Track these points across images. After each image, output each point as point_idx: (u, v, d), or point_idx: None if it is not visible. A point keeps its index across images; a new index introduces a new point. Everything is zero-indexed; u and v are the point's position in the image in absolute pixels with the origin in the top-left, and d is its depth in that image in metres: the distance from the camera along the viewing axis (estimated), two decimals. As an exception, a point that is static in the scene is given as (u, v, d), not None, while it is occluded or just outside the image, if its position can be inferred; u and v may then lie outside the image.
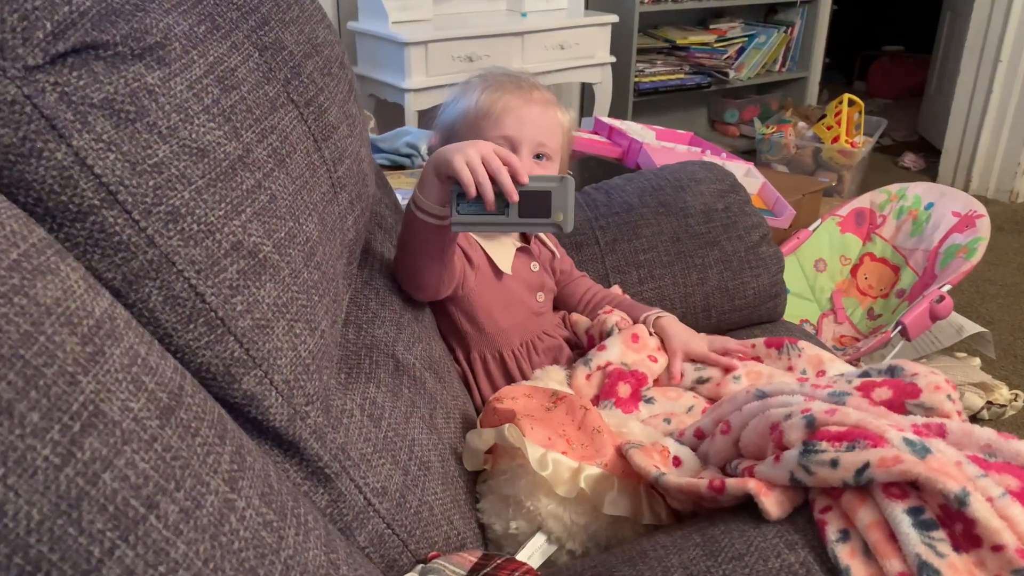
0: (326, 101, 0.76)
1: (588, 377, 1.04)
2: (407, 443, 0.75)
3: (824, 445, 0.66)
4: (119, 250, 0.55)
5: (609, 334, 1.09)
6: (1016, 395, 1.96)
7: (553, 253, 1.19)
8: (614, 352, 1.05)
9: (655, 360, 1.06)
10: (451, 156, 0.80)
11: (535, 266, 1.15)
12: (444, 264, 0.95)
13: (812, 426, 0.69)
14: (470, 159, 0.79)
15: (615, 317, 1.11)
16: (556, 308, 1.21)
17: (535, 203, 0.80)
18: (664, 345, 1.10)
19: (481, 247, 1.08)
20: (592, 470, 0.79)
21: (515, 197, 0.79)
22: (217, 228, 0.60)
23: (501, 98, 1.05)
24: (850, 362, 1.40)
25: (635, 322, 1.12)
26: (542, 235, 1.19)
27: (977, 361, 2.09)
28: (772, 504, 0.67)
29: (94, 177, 0.54)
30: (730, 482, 0.70)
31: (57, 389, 0.43)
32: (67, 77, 0.53)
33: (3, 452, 0.40)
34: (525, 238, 1.17)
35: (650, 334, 1.10)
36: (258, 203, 0.63)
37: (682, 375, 1.07)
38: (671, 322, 1.12)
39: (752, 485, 0.68)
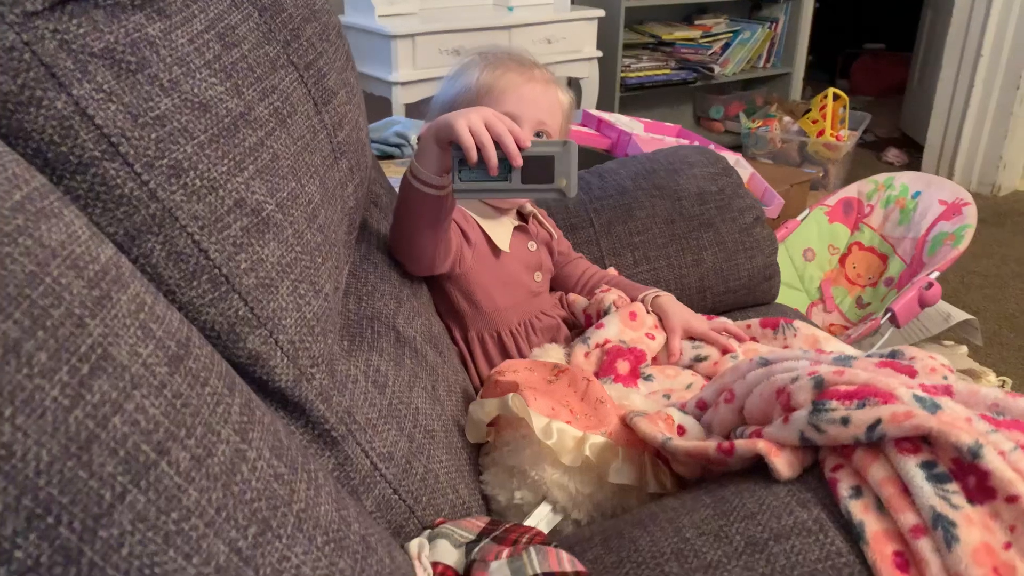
0: (325, 66, 0.75)
1: (586, 355, 1.03)
2: (411, 411, 0.74)
3: (834, 404, 0.66)
4: (121, 204, 0.54)
5: (607, 312, 1.08)
6: (1004, 382, 1.97)
7: (551, 233, 1.18)
8: (612, 330, 1.05)
9: (653, 338, 1.06)
10: (453, 120, 0.79)
11: (532, 245, 1.14)
12: (439, 237, 0.94)
13: (821, 386, 0.68)
14: (472, 123, 0.78)
15: (612, 295, 1.11)
16: (553, 289, 1.21)
17: (538, 168, 0.79)
18: (662, 323, 1.09)
19: (479, 225, 1.07)
20: (597, 439, 0.78)
21: (519, 161, 0.78)
22: (220, 184, 0.58)
23: (503, 75, 1.04)
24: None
25: (632, 300, 1.12)
26: (540, 216, 1.18)
27: (964, 349, 2.11)
28: (782, 464, 0.66)
29: (95, 128, 0.53)
30: (739, 443, 0.69)
31: (64, 331, 0.42)
32: (67, 24, 0.52)
33: (11, 391, 0.38)
34: (523, 217, 1.16)
35: (648, 312, 1.09)
36: (260, 161, 0.62)
37: (680, 353, 1.07)
38: (669, 300, 1.11)
39: (762, 446, 0.67)
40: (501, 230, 1.10)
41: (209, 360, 0.50)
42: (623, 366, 1.01)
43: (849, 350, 1.09)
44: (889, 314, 1.84)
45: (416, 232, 0.92)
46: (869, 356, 0.83)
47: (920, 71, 3.85)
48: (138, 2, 0.56)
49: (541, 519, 0.76)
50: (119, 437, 0.42)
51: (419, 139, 0.87)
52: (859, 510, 0.61)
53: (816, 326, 1.25)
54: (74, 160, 0.53)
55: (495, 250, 1.08)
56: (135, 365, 0.44)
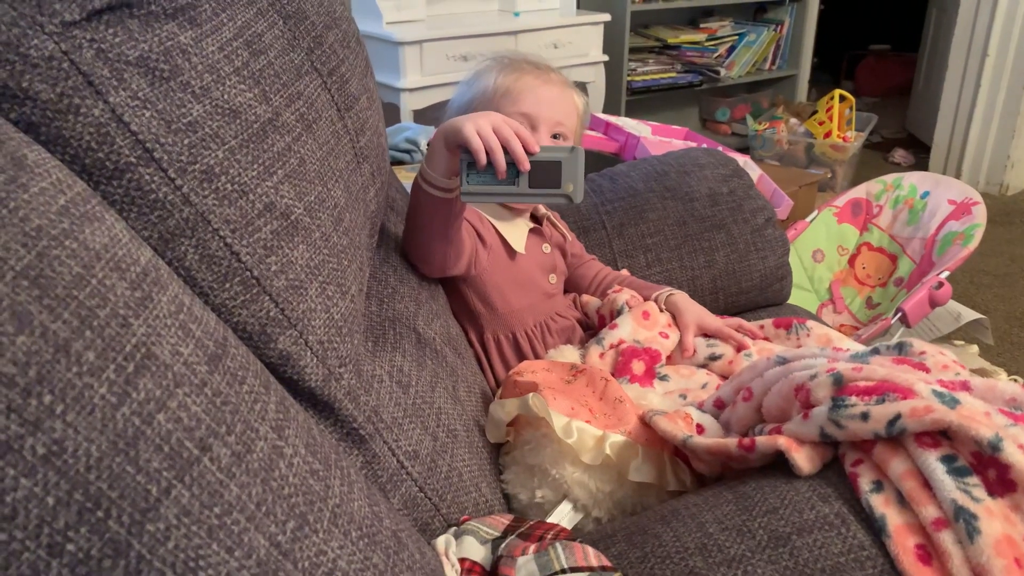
0: (347, 72, 0.76)
1: (601, 356, 1.04)
2: (434, 411, 0.75)
3: (853, 399, 0.66)
4: (155, 208, 0.55)
5: (620, 312, 1.09)
6: (1015, 380, 1.98)
7: (564, 236, 1.19)
8: (625, 329, 1.06)
9: (667, 336, 1.07)
10: (462, 124, 0.80)
11: (546, 248, 1.15)
12: (450, 239, 0.95)
13: (840, 383, 0.69)
14: (481, 127, 0.79)
15: (625, 295, 1.11)
16: (567, 291, 1.21)
17: (545, 173, 0.80)
18: (676, 321, 1.10)
19: (494, 227, 1.08)
20: (616, 438, 0.79)
21: (526, 165, 0.79)
22: (250, 188, 0.60)
23: (520, 77, 1.06)
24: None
25: (646, 299, 1.13)
26: (553, 218, 1.19)
27: (975, 348, 2.11)
28: (803, 459, 0.67)
29: (130, 134, 0.54)
30: (760, 440, 0.70)
31: (111, 330, 0.43)
32: (103, 34, 0.53)
33: (62, 389, 0.40)
34: (537, 219, 1.17)
35: (661, 311, 1.10)
36: (288, 166, 0.63)
37: (695, 351, 1.08)
38: (683, 298, 1.12)
39: (782, 441, 0.68)
40: (516, 232, 1.10)
41: (245, 359, 0.52)
42: (638, 366, 1.02)
43: (862, 348, 1.10)
44: (900, 314, 1.84)
45: (427, 235, 0.93)
46: (876, 350, 0.83)
47: (926, 71, 3.85)
48: (171, 11, 0.57)
49: (563, 517, 0.77)
50: (164, 433, 0.43)
51: (429, 144, 0.88)
52: (880, 504, 0.62)
53: (828, 326, 1.26)
54: (110, 166, 0.54)
55: (510, 252, 1.09)
56: (177, 364, 0.45)
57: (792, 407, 0.75)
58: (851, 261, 2.25)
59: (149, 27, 0.56)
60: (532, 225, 1.14)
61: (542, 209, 1.18)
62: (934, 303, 1.86)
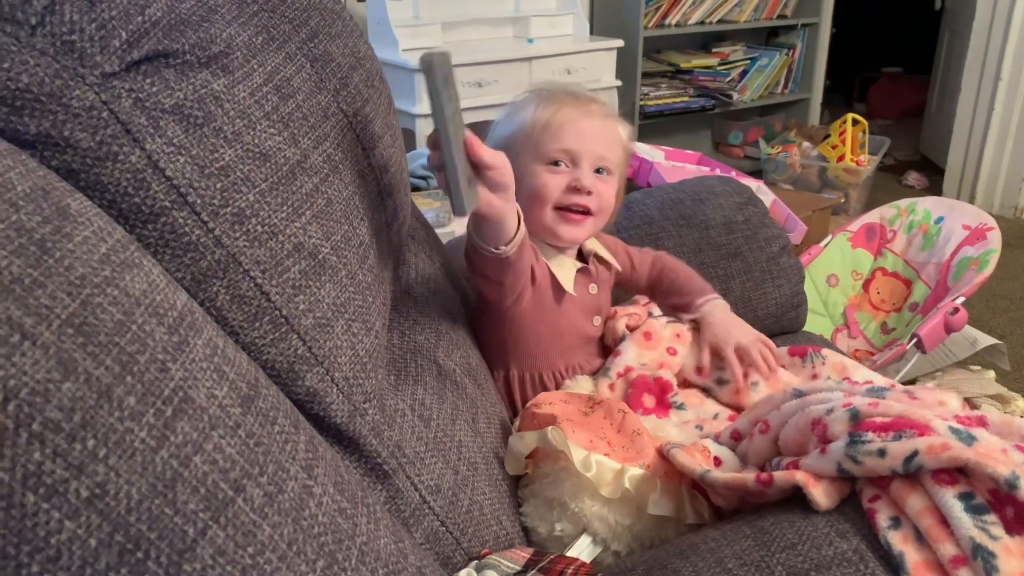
0: (371, 112, 0.78)
1: (611, 387, 1.03)
2: (455, 444, 0.76)
3: (870, 436, 0.67)
4: (188, 250, 0.57)
5: (622, 339, 1.08)
6: (1033, 407, 1.97)
7: (609, 266, 1.13)
8: (629, 355, 1.05)
9: (674, 352, 1.06)
10: None
11: (593, 288, 1.08)
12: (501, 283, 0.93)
13: (856, 418, 0.70)
14: None
15: (623, 321, 1.09)
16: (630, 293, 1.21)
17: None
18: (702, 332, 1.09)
19: (546, 264, 1.02)
20: (635, 471, 0.80)
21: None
22: (280, 230, 0.61)
23: (559, 111, 1.01)
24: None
25: (688, 307, 1.12)
26: (600, 248, 1.12)
27: (992, 374, 2.10)
28: (821, 495, 0.68)
29: (165, 179, 0.56)
30: (778, 475, 0.71)
31: (150, 375, 0.44)
32: (140, 84, 0.55)
33: (104, 433, 0.41)
34: (582, 257, 1.10)
35: (671, 321, 1.10)
36: (316, 206, 0.65)
37: (707, 371, 1.07)
38: (716, 309, 1.10)
39: (800, 477, 0.69)
40: (566, 272, 1.04)
41: (276, 399, 0.53)
42: (649, 400, 1.01)
43: (878, 379, 1.10)
44: (915, 340, 1.84)
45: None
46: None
47: (939, 94, 3.86)
48: (204, 60, 0.59)
49: (582, 551, 0.78)
50: (200, 475, 0.44)
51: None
52: (898, 541, 0.62)
53: (843, 353, 1.26)
54: (146, 210, 0.56)
55: (559, 293, 1.02)
56: (212, 407, 0.47)
57: (809, 441, 0.75)
58: (865, 286, 2.26)
59: (184, 76, 0.58)
60: (580, 265, 1.07)
61: (587, 245, 1.10)
62: (950, 329, 1.86)
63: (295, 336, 0.61)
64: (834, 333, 2.22)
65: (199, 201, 0.57)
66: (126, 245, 0.49)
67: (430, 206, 1.73)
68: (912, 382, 2.06)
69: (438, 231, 1.39)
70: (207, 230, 0.58)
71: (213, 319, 0.59)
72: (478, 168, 0.76)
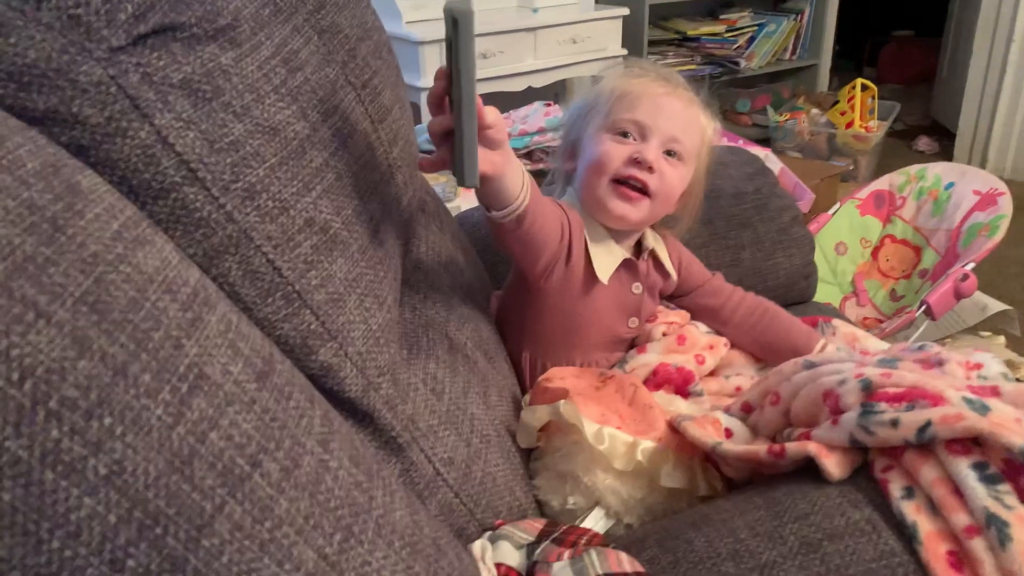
0: (380, 84, 0.77)
1: None
2: (467, 417, 0.77)
3: (883, 406, 0.67)
4: (200, 226, 0.57)
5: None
6: (1043, 372, 1.96)
7: (668, 275, 1.03)
8: (652, 356, 0.99)
9: (702, 361, 1.01)
10: None
11: (637, 288, 0.99)
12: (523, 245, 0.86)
13: (869, 389, 0.70)
14: None
15: (661, 328, 1.02)
16: (695, 318, 1.09)
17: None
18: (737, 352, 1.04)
19: (586, 245, 0.94)
20: (647, 444, 0.80)
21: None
22: (291, 204, 0.61)
23: (642, 82, 0.94)
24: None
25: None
26: (662, 252, 1.03)
27: (1002, 339, 2.10)
28: (833, 465, 0.68)
29: (175, 155, 0.56)
30: (790, 446, 0.71)
31: (164, 352, 0.44)
32: (148, 58, 0.55)
33: (121, 411, 0.41)
34: (637, 250, 1.01)
35: (706, 332, 1.04)
36: (326, 181, 0.65)
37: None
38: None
39: (812, 447, 0.69)
40: (607, 259, 0.95)
41: (291, 375, 0.53)
42: (668, 390, 0.97)
43: (888, 348, 1.10)
44: (924, 307, 1.84)
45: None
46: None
47: (950, 57, 3.81)
48: (212, 33, 0.59)
49: (595, 524, 0.78)
50: (216, 451, 0.44)
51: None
52: (912, 511, 0.62)
53: (852, 323, 1.26)
54: (156, 186, 0.56)
55: (590, 279, 0.94)
56: (228, 383, 0.47)
57: (821, 412, 0.75)
58: (874, 253, 2.24)
59: (192, 49, 0.57)
60: (627, 256, 0.97)
61: (650, 240, 1.01)
62: (960, 295, 1.85)
63: (308, 311, 0.61)
64: (843, 301, 2.22)
65: (209, 176, 0.57)
66: (138, 222, 0.49)
67: (437, 180, 1.72)
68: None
69: (446, 206, 1.39)
70: (218, 206, 0.58)
71: (226, 295, 0.59)
72: (480, 129, 0.68)
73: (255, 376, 0.49)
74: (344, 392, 0.63)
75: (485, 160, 0.70)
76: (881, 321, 2.14)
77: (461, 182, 0.67)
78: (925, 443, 0.64)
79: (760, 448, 0.73)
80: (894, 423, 0.65)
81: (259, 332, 0.54)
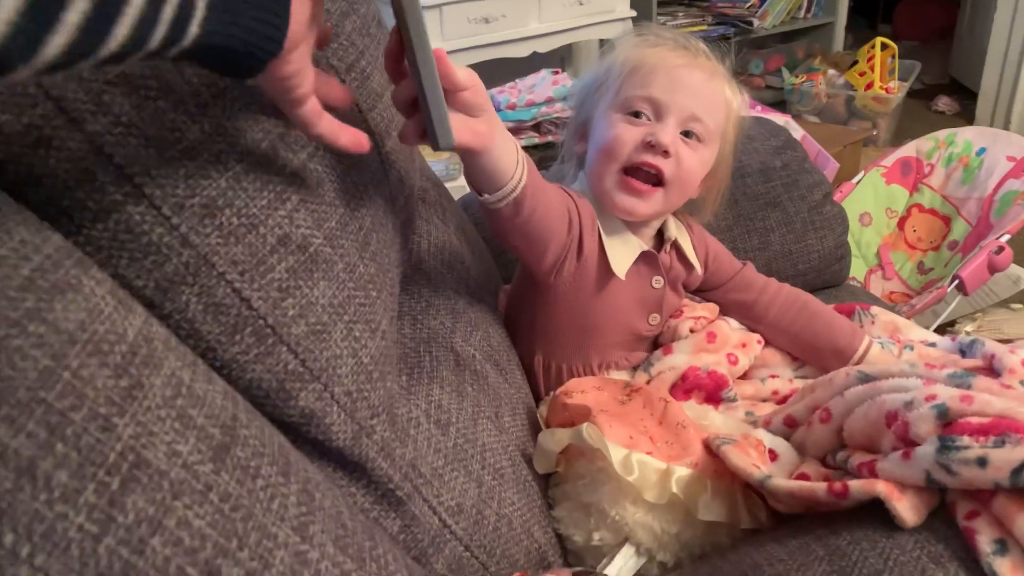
0: (368, 66, 0.66)
1: (649, 383, 0.89)
2: (478, 450, 0.67)
3: (966, 440, 0.57)
4: (149, 253, 0.47)
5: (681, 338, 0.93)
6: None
7: (693, 268, 0.94)
8: (681, 356, 0.89)
9: (735, 361, 0.91)
10: None
11: (658, 281, 0.90)
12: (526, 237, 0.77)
13: (945, 416, 0.60)
14: None
15: (688, 324, 0.93)
16: (725, 312, 1.00)
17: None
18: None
19: (600, 238, 0.84)
20: (682, 471, 0.70)
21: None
22: (260, 220, 0.51)
23: (656, 53, 0.84)
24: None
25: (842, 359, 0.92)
26: (685, 243, 0.94)
27: (1035, 312, 2.00)
28: (906, 509, 0.58)
29: (114, 167, 0.45)
30: (854, 485, 0.61)
31: (89, 438, 0.35)
32: (75, 49, 0.44)
33: (27, 525, 0.32)
34: (658, 240, 0.92)
35: (737, 328, 0.95)
36: (304, 188, 0.54)
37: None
38: (879, 358, 0.91)
39: (882, 488, 0.59)
40: (624, 252, 0.86)
41: (259, 441, 0.43)
42: (698, 399, 0.88)
43: (933, 337, 1.00)
44: (956, 281, 1.74)
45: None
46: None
47: (970, 12, 3.65)
48: (156, 15, 0.48)
49: (626, 562, 0.69)
50: (160, 563, 0.35)
51: None
52: (1006, 569, 0.53)
53: (893, 310, 1.15)
54: (93, 206, 0.45)
55: (605, 273, 0.85)
56: (174, 468, 0.37)
57: (883, 436, 0.65)
58: (900, 224, 2.13)
59: (131, 36, 0.47)
60: (645, 248, 0.88)
61: (673, 230, 0.92)
62: (994, 269, 1.75)
63: (284, 348, 0.51)
64: (868, 274, 2.11)
65: (159, 192, 0.47)
66: (59, 261, 0.39)
67: (438, 157, 1.60)
68: (951, 324, 1.96)
69: (448, 185, 1.28)
70: (170, 227, 0.47)
71: (185, 334, 0.49)
72: (448, 92, 0.57)
73: (212, 454, 0.39)
74: (331, 441, 0.53)
75: (464, 128, 0.59)
76: (908, 296, 2.04)
77: (435, 146, 0.56)
78: (1022, 487, 0.54)
79: (818, 487, 0.63)
80: (981, 462, 0.55)
81: (220, 386, 0.44)
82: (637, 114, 0.82)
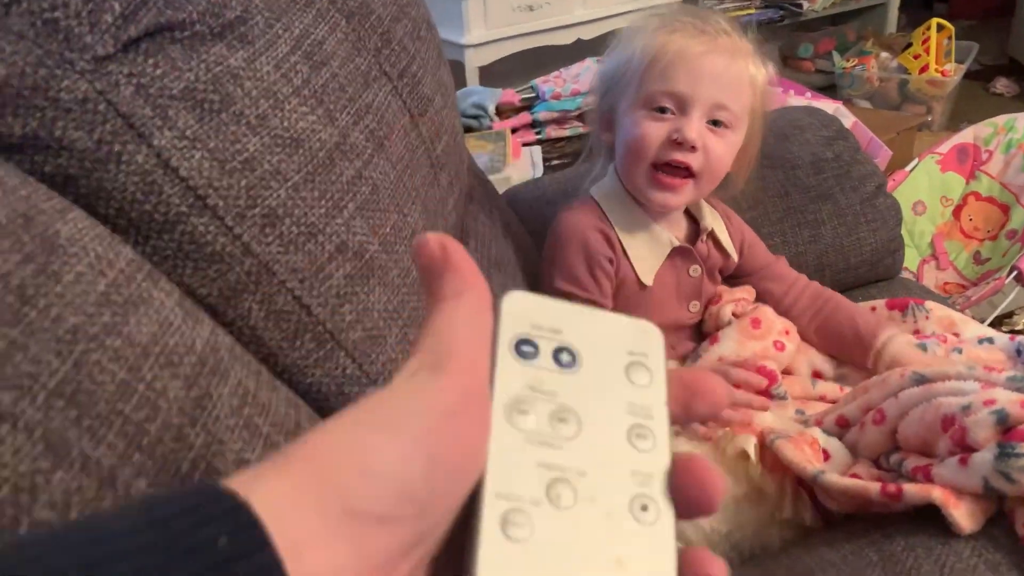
0: (419, 70, 0.67)
1: None
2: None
3: (1025, 447, 0.56)
4: (213, 262, 0.48)
5: (727, 325, 0.94)
6: None
7: (728, 255, 0.97)
8: (728, 345, 0.90)
9: (782, 348, 0.91)
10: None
11: (695, 270, 0.93)
12: None
13: (1005, 422, 0.59)
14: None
15: (729, 308, 0.94)
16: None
17: None
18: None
19: (624, 252, 0.89)
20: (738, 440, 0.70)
21: None
22: (319, 229, 0.52)
23: (674, 42, 0.83)
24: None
25: (863, 355, 0.92)
26: (720, 231, 0.97)
27: (1095, 305, 1.94)
28: (963, 516, 0.58)
29: (180, 180, 0.47)
30: (908, 489, 0.61)
31: (163, 448, 0.36)
32: (142, 66, 0.46)
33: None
34: (693, 236, 0.95)
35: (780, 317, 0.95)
36: (360, 196, 0.56)
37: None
38: (900, 347, 0.89)
39: (938, 494, 0.59)
40: (650, 257, 0.90)
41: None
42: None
43: (991, 333, 0.98)
44: (1015, 272, 1.70)
45: None
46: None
47: (1031, -9, 3.53)
48: (218, 30, 0.49)
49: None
50: None
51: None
52: (1067, 579, 0.52)
53: (948, 304, 1.13)
54: (159, 218, 0.47)
55: (640, 283, 0.89)
56: (243, 476, 0.38)
57: (939, 440, 0.65)
58: (956, 213, 2.08)
59: (194, 52, 0.48)
60: (677, 244, 0.91)
61: (707, 218, 0.95)
62: (1055, 260, 1.71)
63: (342, 353, 0.53)
64: (921, 265, 2.07)
65: (221, 203, 0.48)
66: (131, 276, 0.40)
67: (482, 149, 1.60)
68: (1009, 316, 1.91)
69: (492, 178, 1.28)
70: (233, 237, 0.49)
71: (247, 340, 0.50)
72: None
73: (277, 461, 0.41)
74: (387, 444, 0.55)
75: None
76: (964, 287, 1.99)
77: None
78: (1082, 497, 0.53)
79: (872, 487, 0.63)
80: (1041, 470, 0.55)
81: (284, 393, 0.45)
82: (662, 109, 0.83)
